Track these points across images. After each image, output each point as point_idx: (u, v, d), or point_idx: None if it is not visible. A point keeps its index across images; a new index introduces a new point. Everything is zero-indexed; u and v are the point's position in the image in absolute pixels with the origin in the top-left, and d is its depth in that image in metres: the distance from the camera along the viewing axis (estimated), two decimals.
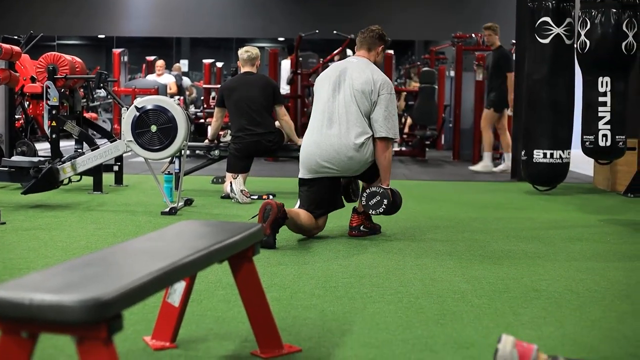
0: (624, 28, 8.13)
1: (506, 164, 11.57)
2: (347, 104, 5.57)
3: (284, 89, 13.41)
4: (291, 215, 5.38)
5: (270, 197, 7.82)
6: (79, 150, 7.96)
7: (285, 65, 14.40)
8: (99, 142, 8.06)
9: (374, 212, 5.62)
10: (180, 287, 3.03)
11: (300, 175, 5.74)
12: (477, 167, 11.71)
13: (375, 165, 5.67)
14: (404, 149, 14.43)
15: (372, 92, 5.57)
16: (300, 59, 13.62)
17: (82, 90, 8.91)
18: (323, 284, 4.20)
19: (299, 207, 5.66)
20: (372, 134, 5.59)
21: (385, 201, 5.57)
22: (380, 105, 5.57)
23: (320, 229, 5.70)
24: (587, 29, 8.24)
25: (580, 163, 10.63)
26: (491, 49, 11.80)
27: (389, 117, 5.59)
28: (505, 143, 11.74)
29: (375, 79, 5.61)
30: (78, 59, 8.30)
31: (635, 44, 8.16)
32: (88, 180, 8.07)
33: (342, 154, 5.51)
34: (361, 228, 5.79)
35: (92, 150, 7.25)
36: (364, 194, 5.62)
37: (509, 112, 11.51)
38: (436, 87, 15.00)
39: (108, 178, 8.49)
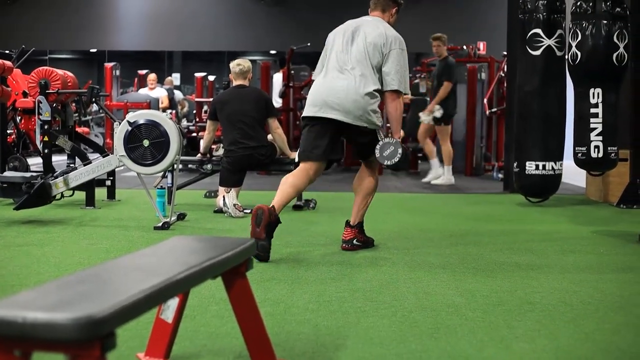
0: (615, 39, 8.16)
1: (434, 173, 11.79)
2: (359, 56, 5.58)
3: (277, 102, 13.43)
4: (283, 202, 5.50)
5: None
6: (71, 165, 7.95)
7: (277, 78, 14.42)
8: (92, 156, 8.05)
9: (388, 162, 5.55)
10: (173, 303, 3.02)
11: (304, 114, 5.75)
12: (438, 181, 11.63)
13: (372, 141, 5.65)
14: None
15: (385, 44, 5.58)
16: (292, 72, 13.65)
17: (74, 104, 8.90)
18: (316, 299, 4.19)
19: (297, 154, 5.75)
20: (381, 88, 5.59)
21: (400, 150, 5.53)
22: (391, 59, 5.58)
23: (317, 175, 5.72)
24: (578, 40, 8.26)
25: (573, 174, 10.66)
26: (438, 59, 11.84)
27: (400, 71, 5.60)
28: (429, 150, 11.78)
29: (388, 34, 5.63)
30: (70, 74, 8.30)
31: (626, 55, 8.19)
32: (80, 195, 8.05)
33: (349, 97, 5.48)
34: (354, 242, 5.78)
35: (85, 165, 7.24)
36: (377, 147, 5.58)
37: (436, 114, 11.50)
38: (428, 99, 15.03)
39: (100, 193, 8.48)
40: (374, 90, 5.53)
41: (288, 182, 5.58)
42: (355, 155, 5.80)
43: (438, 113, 11.49)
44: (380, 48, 5.57)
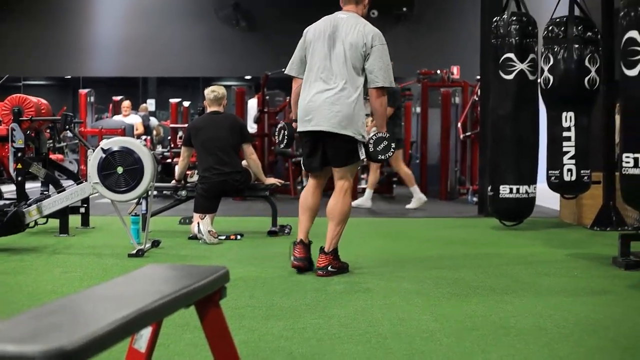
0: (587, 63, 8.24)
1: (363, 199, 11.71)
2: (341, 61, 5.70)
3: (251, 127, 13.44)
4: (308, 229, 5.92)
5: (239, 237, 7.80)
6: (44, 193, 7.90)
7: (252, 103, 14.43)
8: (65, 183, 8.02)
9: (383, 157, 5.81)
10: (146, 332, 3.00)
11: (298, 130, 5.90)
12: (412, 205, 11.62)
13: (354, 149, 5.76)
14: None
15: (366, 44, 5.69)
16: (267, 97, 13.67)
17: (48, 131, 8.88)
18: (291, 326, 4.18)
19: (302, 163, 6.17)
20: (362, 88, 5.75)
21: (393, 144, 5.79)
22: (373, 56, 5.70)
23: (327, 178, 6.04)
24: (550, 64, 8.34)
25: (547, 197, 10.70)
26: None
27: (383, 67, 5.72)
28: (371, 182, 11.78)
29: (366, 32, 5.73)
30: (44, 101, 8.27)
31: (597, 79, 8.28)
32: (54, 222, 8.00)
33: (335, 107, 5.64)
34: (329, 268, 5.76)
35: (58, 192, 7.21)
36: (370, 142, 5.75)
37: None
38: (403, 123, 15.08)
39: (74, 220, 8.43)
40: (357, 96, 5.69)
41: (307, 207, 5.93)
42: (333, 162, 5.86)
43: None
44: (361, 49, 5.69)
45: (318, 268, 5.79)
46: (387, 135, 5.76)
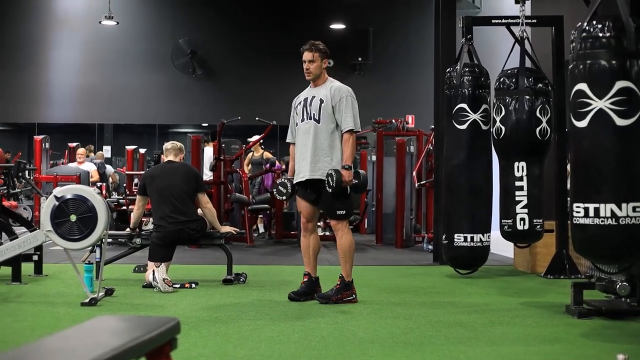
0: (538, 114, 8.38)
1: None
2: None
3: (207, 175, 13.42)
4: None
5: (193, 285, 7.75)
6: None
7: (208, 151, 14.42)
8: (19, 230, 7.95)
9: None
10: None
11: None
12: None
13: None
14: (327, 233, 14.45)
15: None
16: (223, 145, 13.68)
17: (1, 178, 8.80)
18: None
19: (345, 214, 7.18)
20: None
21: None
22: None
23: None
24: (502, 115, 8.46)
25: (501, 245, 10.77)
26: None
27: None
28: None
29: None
30: None
31: (549, 129, 8.41)
32: (6, 270, 7.90)
33: None
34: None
35: (11, 240, 7.14)
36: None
37: None
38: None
39: (27, 267, 8.33)
40: None
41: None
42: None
43: None
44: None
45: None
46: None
